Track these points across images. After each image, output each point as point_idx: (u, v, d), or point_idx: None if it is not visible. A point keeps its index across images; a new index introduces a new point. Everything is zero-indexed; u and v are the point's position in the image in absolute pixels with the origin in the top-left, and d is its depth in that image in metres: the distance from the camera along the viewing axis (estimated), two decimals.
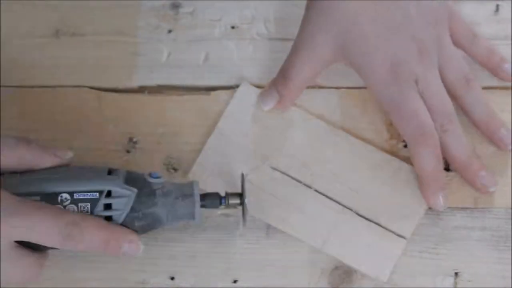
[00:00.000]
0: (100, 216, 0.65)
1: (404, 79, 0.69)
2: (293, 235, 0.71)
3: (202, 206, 0.67)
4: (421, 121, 0.69)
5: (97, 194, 0.64)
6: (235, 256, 0.72)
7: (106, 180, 0.65)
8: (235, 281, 0.72)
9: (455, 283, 0.72)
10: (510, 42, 0.76)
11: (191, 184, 0.67)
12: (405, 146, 0.74)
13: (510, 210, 0.73)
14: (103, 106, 0.75)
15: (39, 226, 0.63)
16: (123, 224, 0.65)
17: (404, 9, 0.69)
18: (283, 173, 0.72)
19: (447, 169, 0.73)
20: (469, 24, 0.76)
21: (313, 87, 0.76)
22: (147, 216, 0.65)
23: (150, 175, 0.66)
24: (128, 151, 0.74)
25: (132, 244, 0.65)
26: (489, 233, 0.72)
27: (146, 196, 0.65)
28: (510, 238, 0.72)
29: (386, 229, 0.71)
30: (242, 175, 0.69)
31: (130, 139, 0.75)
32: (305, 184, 0.72)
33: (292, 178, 0.72)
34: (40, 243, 0.64)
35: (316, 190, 0.72)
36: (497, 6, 0.77)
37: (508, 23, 0.76)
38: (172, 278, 0.72)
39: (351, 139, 0.73)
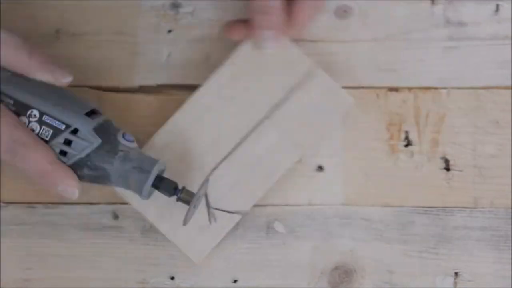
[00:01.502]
0: (56, 148, 0.64)
1: None
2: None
3: (155, 186, 0.66)
4: None
5: (64, 126, 0.64)
6: (235, 256, 0.73)
7: (79, 118, 0.65)
8: (235, 281, 0.72)
9: (455, 283, 0.72)
10: (510, 42, 0.76)
11: (153, 162, 0.65)
12: (406, 145, 0.74)
13: (510, 210, 0.73)
14: (103, 105, 0.75)
15: None
16: (72, 166, 0.65)
17: None
18: None
19: (447, 168, 0.74)
20: (468, 24, 0.76)
21: None
22: (98, 169, 0.65)
23: (124, 135, 0.66)
24: None
25: (68, 187, 0.65)
26: (489, 233, 0.72)
27: (106, 151, 0.65)
28: (510, 238, 0.72)
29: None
30: (205, 180, 0.69)
31: None
32: None
33: None
34: None
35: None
36: (497, 6, 0.77)
37: (508, 23, 0.76)
38: (172, 278, 0.72)
39: None
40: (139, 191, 0.65)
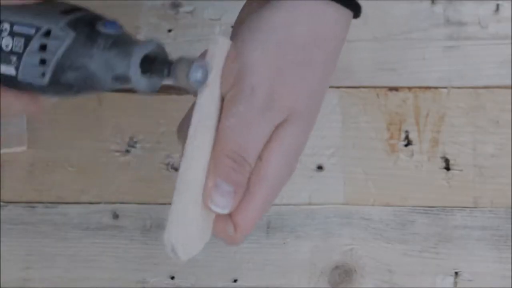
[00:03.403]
0: (34, 57, 0.54)
1: None
2: None
3: (148, 70, 0.53)
4: None
5: (34, 30, 0.55)
6: (235, 256, 0.73)
7: (50, 17, 0.55)
8: (235, 281, 0.72)
9: (455, 282, 0.72)
10: (510, 42, 0.76)
11: (136, 42, 0.54)
12: (406, 145, 0.74)
13: (510, 210, 0.73)
14: (103, 106, 0.75)
15: None
16: (56, 74, 0.54)
17: None
18: None
19: (447, 168, 0.74)
20: (468, 24, 0.76)
21: None
22: (79, 68, 0.54)
23: (105, 24, 0.55)
24: (128, 151, 0.75)
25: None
26: (489, 232, 0.72)
27: (82, 43, 0.54)
28: (510, 238, 0.72)
29: None
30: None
31: (130, 139, 0.75)
32: None
33: None
34: None
35: None
36: (497, 5, 0.77)
37: (508, 22, 0.76)
38: (172, 278, 0.72)
39: None
40: (126, 78, 0.53)
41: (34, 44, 0.55)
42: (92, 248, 0.73)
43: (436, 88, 0.75)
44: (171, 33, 0.77)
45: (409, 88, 0.75)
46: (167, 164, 0.74)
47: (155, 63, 0.53)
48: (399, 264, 0.72)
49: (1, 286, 0.72)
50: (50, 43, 0.54)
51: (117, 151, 0.75)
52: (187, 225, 0.52)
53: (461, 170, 0.74)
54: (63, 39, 0.54)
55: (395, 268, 0.72)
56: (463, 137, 0.74)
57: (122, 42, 0.54)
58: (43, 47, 0.54)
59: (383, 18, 0.76)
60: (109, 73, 0.54)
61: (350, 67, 0.75)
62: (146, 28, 0.77)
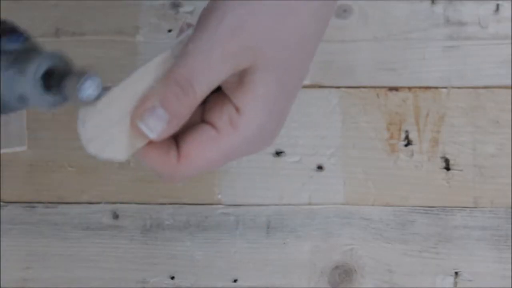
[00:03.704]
0: None
1: None
2: None
3: (50, 84, 0.49)
4: None
5: None
6: (235, 256, 0.73)
7: None
8: (235, 281, 0.72)
9: (455, 282, 0.72)
10: (510, 41, 0.76)
11: (39, 56, 0.49)
12: (406, 145, 0.74)
13: (510, 210, 0.73)
14: None
15: None
16: None
17: None
18: None
19: (447, 168, 0.74)
20: (468, 24, 0.76)
21: (313, 86, 0.76)
22: None
23: (8, 38, 0.50)
24: None
25: None
26: (489, 232, 0.72)
27: None
28: (510, 238, 0.72)
29: None
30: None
31: None
32: None
33: None
34: None
35: None
36: (497, 5, 0.77)
37: (508, 22, 0.76)
38: (172, 278, 0.72)
39: None
40: (22, 100, 0.50)
41: None
42: (92, 248, 0.73)
43: (436, 88, 0.75)
44: (171, 33, 0.77)
45: (409, 88, 0.75)
46: None
47: (53, 78, 0.49)
48: (399, 264, 0.72)
49: (1, 286, 0.72)
50: None
51: None
52: (108, 122, 0.50)
53: (461, 170, 0.74)
54: None
55: (395, 268, 0.72)
56: (463, 137, 0.74)
57: (23, 58, 0.49)
58: None
59: (383, 18, 0.76)
60: (12, 93, 0.49)
61: (350, 67, 0.75)
62: (146, 28, 0.77)
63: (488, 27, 0.76)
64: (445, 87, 0.75)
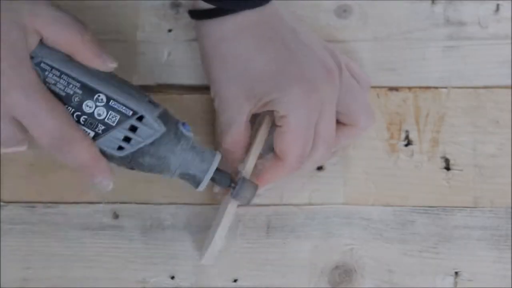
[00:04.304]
0: (121, 133, 0.63)
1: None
2: None
3: (212, 178, 0.66)
4: None
5: (131, 112, 0.63)
6: (235, 255, 0.73)
7: (144, 104, 0.64)
8: (235, 280, 0.72)
9: (455, 282, 0.72)
10: (510, 41, 0.76)
11: (214, 153, 0.66)
12: (406, 145, 0.74)
13: (510, 210, 0.73)
14: None
15: (38, 121, 0.61)
16: (135, 153, 0.63)
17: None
18: None
19: (447, 168, 0.74)
20: (468, 24, 0.76)
21: None
22: (160, 158, 0.64)
23: (183, 124, 0.65)
24: None
25: (104, 180, 0.64)
26: (489, 232, 0.72)
27: (170, 139, 0.64)
28: (510, 238, 0.72)
29: None
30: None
31: None
32: None
33: None
34: (30, 132, 0.61)
35: None
36: (497, 5, 0.77)
37: (508, 22, 0.76)
38: (172, 277, 0.72)
39: None
40: (198, 181, 0.65)
41: (128, 123, 0.63)
42: (92, 248, 0.73)
43: (436, 88, 0.75)
44: (171, 33, 0.77)
45: (409, 88, 0.75)
46: None
47: (221, 175, 0.67)
48: (399, 264, 0.72)
49: (1, 286, 0.72)
50: (142, 128, 0.63)
51: None
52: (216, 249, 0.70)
53: (461, 170, 0.74)
54: (156, 129, 0.63)
55: (395, 268, 0.72)
56: (463, 137, 0.74)
57: (197, 146, 0.65)
58: (133, 128, 0.63)
59: (383, 18, 0.76)
60: (180, 170, 0.65)
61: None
62: (146, 28, 0.77)
63: (488, 27, 0.76)
64: (445, 87, 0.75)
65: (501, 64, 0.76)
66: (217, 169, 0.66)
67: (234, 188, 0.67)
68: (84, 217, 0.74)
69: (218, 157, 0.66)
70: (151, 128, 0.63)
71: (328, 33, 0.76)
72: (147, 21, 0.77)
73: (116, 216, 0.74)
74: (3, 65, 0.60)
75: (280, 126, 0.67)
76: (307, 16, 0.76)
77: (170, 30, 0.77)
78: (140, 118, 0.63)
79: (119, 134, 0.63)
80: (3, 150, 0.62)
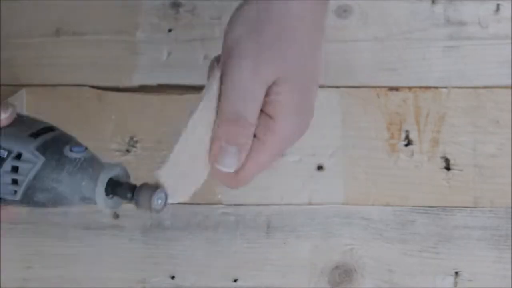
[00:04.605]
0: (7, 178, 0.60)
1: None
2: None
3: (111, 192, 0.59)
4: None
5: (6, 153, 0.60)
6: (235, 255, 0.73)
7: (20, 140, 0.60)
8: (235, 280, 0.72)
9: (455, 282, 0.72)
10: (510, 41, 0.76)
11: (101, 167, 0.59)
12: (406, 145, 0.74)
13: (510, 210, 0.73)
14: (103, 105, 0.75)
15: None
16: (26, 193, 0.60)
17: None
18: None
19: (447, 168, 0.74)
20: (469, 24, 0.76)
21: None
22: (50, 190, 0.60)
23: (71, 148, 0.60)
24: (128, 150, 0.75)
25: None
26: (489, 232, 0.72)
27: (52, 168, 0.59)
28: (510, 238, 0.72)
29: None
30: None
31: (131, 138, 0.75)
32: None
33: None
34: None
35: None
36: (498, 5, 0.77)
37: (508, 23, 0.76)
38: (172, 277, 0.72)
39: None
40: (92, 199, 0.59)
41: (7, 165, 0.60)
42: (93, 248, 0.73)
43: (436, 88, 0.75)
44: (171, 33, 0.77)
45: (409, 88, 0.75)
46: None
47: (119, 187, 0.59)
48: (399, 264, 0.72)
49: (1, 286, 0.72)
50: (22, 165, 0.60)
51: (118, 150, 0.75)
52: (179, 171, 0.59)
53: (461, 170, 0.74)
54: (34, 162, 0.59)
55: (395, 268, 0.72)
56: (463, 137, 0.74)
57: (87, 166, 0.59)
58: (15, 169, 0.60)
59: (383, 18, 0.76)
60: (76, 195, 0.59)
61: (351, 67, 0.75)
62: (146, 28, 0.77)
63: (488, 27, 0.76)
64: (445, 87, 0.75)
65: (501, 64, 0.76)
66: (116, 182, 0.59)
67: (135, 199, 0.59)
68: (84, 217, 0.74)
69: (109, 169, 0.59)
70: (29, 162, 0.60)
71: (328, 33, 0.76)
72: (147, 21, 0.77)
73: (116, 216, 0.74)
74: None
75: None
76: None
77: (170, 30, 0.77)
78: (19, 156, 0.60)
79: (5, 178, 0.60)
80: None
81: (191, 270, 0.72)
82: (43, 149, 0.60)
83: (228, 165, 0.58)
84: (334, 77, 0.75)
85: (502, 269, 0.72)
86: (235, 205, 0.73)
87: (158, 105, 0.75)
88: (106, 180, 0.59)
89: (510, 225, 0.72)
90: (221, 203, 0.73)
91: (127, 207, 0.73)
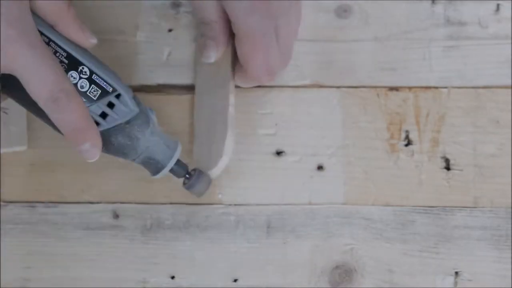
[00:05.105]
0: (99, 109, 0.64)
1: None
2: None
3: (170, 169, 0.67)
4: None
5: (111, 89, 0.64)
6: (235, 255, 0.73)
7: (122, 84, 0.65)
8: (235, 280, 0.72)
9: (455, 282, 0.72)
10: (510, 41, 0.76)
11: (176, 143, 0.68)
12: (406, 145, 0.74)
13: (510, 210, 0.73)
14: None
15: (40, 73, 0.60)
16: (109, 131, 0.64)
17: None
18: None
19: (447, 168, 0.74)
20: (469, 24, 0.76)
21: (313, 86, 0.76)
22: (131, 138, 0.65)
23: (151, 110, 0.67)
24: None
25: (94, 148, 0.63)
26: (489, 232, 0.72)
27: (142, 121, 0.65)
28: (510, 238, 0.72)
29: None
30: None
31: None
32: None
33: None
34: (26, 88, 0.61)
35: None
36: (498, 5, 0.77)
37: (508, 23, 0.76)
38: (172, 277, 0.72)
39: None
40: (161, 167, 0.67)
41: (107, 99, 0.64)
42: (92, 248, 0.73)
43: (436, 88, 0.75)
44: (171, 33, 0.77)
45: (410, 88, 0.75)
46: None
47: (180, 164, 0.68)
48: (399, 264, 0.72)
49: (1, 286, 0.72)
50: (120, 106, 0.64)
51: None
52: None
53: (461, 170, 0.74)
54: (131, 109, 0.65)
55: (395, 268, 0.72)
56: (463, 137, 0.74)
57: (164, 135, 0.67)
58: (111, 105, 0.64)
59: (384, 18, 0.76)
60: (146, 153, 0.66)
61: (350, 67, 0.75)
62: (146, 28, 0.77)
63: (488, 27, 0.76)
64: (445, 87, 0.75)
65: (501, 64, 0.76)
66: (177, 159, 0.67)
67: (189, 179, 0.69)
68: (84, 217, 0.74)
69: (180, 147, 0.68)
70: (127, 107, 0.64)
71: (328, 33, 0.76)
72: (147, 21, 0.77)
73: (116, 216, 0.74)
74: (9, 17, 0.59)
75: (235, 34, 0.69)
76: (307, 16, 0.76)
77: (170, 30, 0.77)
78: (118, 96, 0.64)
79: (97, 109, 0.64)
80: None
81: (191, 270, 0.72)
82: (137, 101, 0.66)
83: (209, 56, 0.72)
84: (334, 77, 0.75)
85: (502, 269, 0.72)
86: (235, 205, 0.73)
87: (158, 105, 0.75)
88: (179, 154, 0.67)
89: (510, 225, 0.72)
90: (221, 203, 0.73)
91: (127, 207, 0.74)
